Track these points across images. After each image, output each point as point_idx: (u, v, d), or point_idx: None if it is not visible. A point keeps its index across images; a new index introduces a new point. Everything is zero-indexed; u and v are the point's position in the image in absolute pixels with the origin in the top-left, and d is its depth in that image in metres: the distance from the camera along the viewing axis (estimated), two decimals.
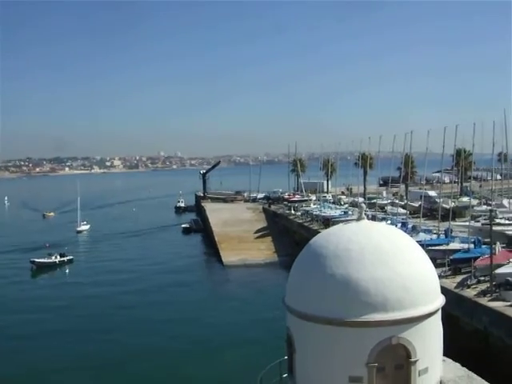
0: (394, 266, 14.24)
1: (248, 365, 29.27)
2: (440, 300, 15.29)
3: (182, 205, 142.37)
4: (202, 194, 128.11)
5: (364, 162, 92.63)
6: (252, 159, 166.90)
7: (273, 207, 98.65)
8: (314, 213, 78.21)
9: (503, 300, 32.43)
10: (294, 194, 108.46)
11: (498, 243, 41.22)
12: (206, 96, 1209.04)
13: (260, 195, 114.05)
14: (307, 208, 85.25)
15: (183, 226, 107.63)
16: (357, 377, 13.79)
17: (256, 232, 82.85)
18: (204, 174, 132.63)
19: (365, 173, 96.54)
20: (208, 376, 34.88)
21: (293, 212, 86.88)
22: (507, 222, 57.05)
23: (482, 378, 16.58)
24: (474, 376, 16.50)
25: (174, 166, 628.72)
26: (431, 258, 16.64)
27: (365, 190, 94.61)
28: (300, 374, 14.88)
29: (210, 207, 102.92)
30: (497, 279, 34.59)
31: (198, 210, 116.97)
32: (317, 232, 16.00)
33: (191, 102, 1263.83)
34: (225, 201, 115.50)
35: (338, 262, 14.25)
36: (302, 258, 15.59)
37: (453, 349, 18.31)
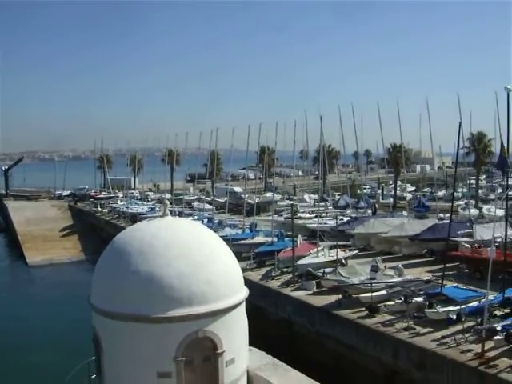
0: (198, 260, 14.39)
1: (56, 369, 28.09)
2: (244, 292, 15.68)
3: None
4: (3, 192, 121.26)
5: (171, 159, 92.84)
6: (57, 155, 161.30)
7: (79, 204, 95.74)
8: (121, 209, 77.09)
9: (305, 289, 33.94)
10: (100, 191, 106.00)
11: (299, 236, 43.08)
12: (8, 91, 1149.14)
13: (66, 192, 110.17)
14: (114, 205, 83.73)
15: None
16: (165, 372, 13.78)
17: (62, 230, 79.93)
18: (6, 171, 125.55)
19: (172, 169, 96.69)
20: None
21: (99, 209, 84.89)
22: (308, 215, 59.93)
23: (287, 363, 17.27)
24: (279, 363, 17.14)
25: None
26: (237, 252, 17.02)
27: (172, 187, 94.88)
28: (108, 374, 14.59)
29: (12, 205, 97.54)
30: (299, 270, 36.11)
31: (0, 209, 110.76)
32: (124, 229, 15.86)
33: None
34: (28, 198, 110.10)
35: (143, 258, 14.13)
36: (106, 256, 15.29)
37: (260, 338, 18.90)
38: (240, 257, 35.71)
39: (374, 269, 33.40)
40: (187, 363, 13.91)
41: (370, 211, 61.46)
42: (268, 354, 17.64)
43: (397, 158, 77.25)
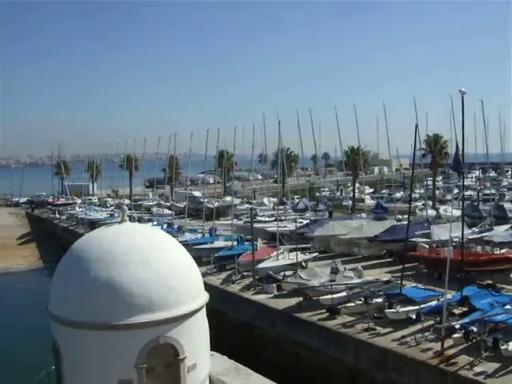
0: (157, 266, 14.29)
1: (14, 380, 27.64)
2: (204, 297, 15.61)
3: None
4: None
5: (129, 164, 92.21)
6: (14, 161, 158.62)
7: (36, 211, 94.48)
8: (80, 216, 76.22)
9: (266, 293, 33.97)
10: (58, 198, 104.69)
11: (259, 239, 43.06)
12: None
13: (23, 199, 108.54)
14: (72, 211, 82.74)
15: None
16: (127, 380, 13.63)
17: (19, 238, 78.55)
18: None
19: (130, 174, 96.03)
20: None
21: (57, 216, 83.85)
22: (267, 219, 60.00)
23: (249, 367, 17.25)
24: (241, 367, 17.12)
25: None
26: (197, 257, 16.94)
27: (131, 192, 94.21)
28: (68, 383, 14.38)
29: None
30: (259, 273, 36.15)
31: None
32: (82, 236, 15.61)
33: None
34: None
35: (101, 265, 13.95)
36: (65, 263, 15.06)
37: (221, 343, 18.83)
38: (200, 261, 35.54)
39: (334, 271, 33.63)
40: (149, 370, 13.79)
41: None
42: (230, 358, 17.60)
43: (355, 161, 77.86)
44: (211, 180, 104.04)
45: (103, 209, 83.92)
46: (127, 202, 78.26)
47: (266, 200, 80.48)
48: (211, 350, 16.41)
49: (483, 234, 42.35)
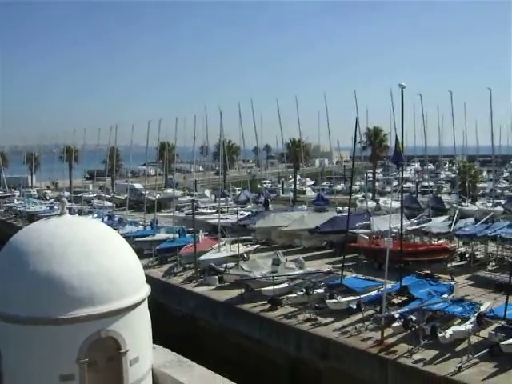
0: (98, 259, 14.07)
1: None
2: (146, 290, 15.46)
3: None
4: None
5: (69, 156, 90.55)
6: None
7: None
8: (18, 209, 74.48)
9: (208, 285, 33.96)
10: None
11: (201, 231, 42.97)
12: None
13: None
14: (10, 204, 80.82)
15: None
16: (68, 374, 13.38)
17: None
18: None
19: (70, 166, 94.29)
20: None
21: None
22: (209, 211, 59.92)
23: (192, 359, 17.19)
24: (184, 359, 17.04)
25: None
26: (138, 250, 16.79)
27: (71, 184, 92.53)
28: (8, 381, 14.04)
29: None
30: (201, 265, 36.06)
31: None
32: (21, 229, 15.29)
33: None
34: None
35: (41, 258, 13.65)
36: (2, 258, 14.66)
37: (163, 335, 18.72)
38: (141, 254, 35.39)
39: (276, 262, 33.85)
40: (90, 364, 13.58)
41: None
42: (172, 350, 17.51)
43: (296, 153, 78.53)
44: (152, 172, 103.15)
45: (42, 201, 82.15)
46: (67, 194, 76.94)
47: (207, 192, 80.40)
48: (154, 342, 16.29)
49: (421, 225, 43.36)
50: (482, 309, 24.95)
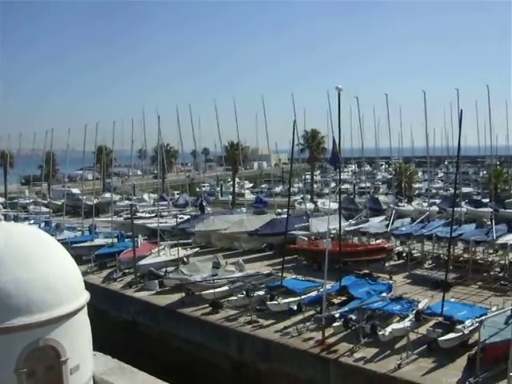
0: (36, 265, 13.85)
1: None
2: (85, 296, 15.29)
3: None
4: None
5: (4, 161, 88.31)
6: None
7: None
8: None
9: (148, 289, 33.68)
10: None
11: (140, 236, 42.62)
12: None
13: None
14: None
15: None
16: None
17: None
18: None
19: (5, 172, 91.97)
20: None
21: None
22: (148, 215, 59.40)
23: (134, 366, 17.06)
24: (125, 366, 16.91)
25: None
26: (77, 256, 16.57)
27: (6, 190, 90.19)
28: None
29: None
30: (141, 270, 35.73)
31: None
32: None
33: None
34: None
35: None
36: None
37: (104, 342, 18.52)
38: (80, 260, 34.80)
39: (216, 265, 33.84)
40: (29, 374, 13.34)
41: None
42: (113, 357, 17.35)
43: (234, 156, 78.59)
44: (90, 176, 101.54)
45: None
46: (1, 200, 74.98)
47: (146, 196, 79.71)
48: (94, 350, 16.11)
49: (359, 226, 44.03)
50: (420, 306, 25.49)
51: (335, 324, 24.24)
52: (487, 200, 61.51)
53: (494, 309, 23.80)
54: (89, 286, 16.32)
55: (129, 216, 49.57)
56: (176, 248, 38.11)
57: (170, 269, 34.97)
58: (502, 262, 34.62)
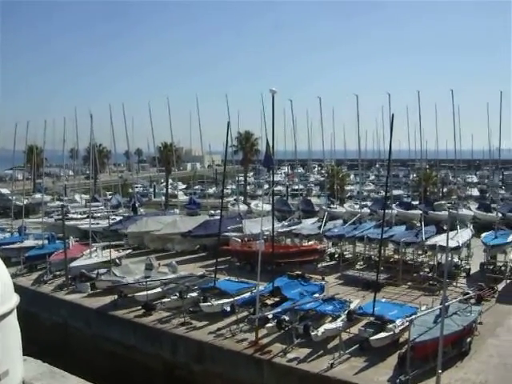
0: None
1: None
2: (14, 299, 14.98)
3: None
4: None
5: None
6: None
7: None
8: None
9: (79, 292, 33.19)
10: None
11: (71, 237, 41.96)
12: None
13: None
14: None
15: None
16: None
17: None
18: None
19: None
20: None
21: None
22: (80, 216, 58.53)
23: (65, 369, 16.78)
24: (57, 370, 16.57)
25: None
26: (5, 257, 16.21)
27: None
28: None
29: None
30: (72, 272, 35.19)
31: None
32: None
33: None
34: None
35: None
36: None
37: (35, 346, 18.14)
38: (9, 262, 34.04)
39: (148, 267, 33.65)
40: None
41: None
42: (44, 361, 16.99)
43: (168, 157, 78.20)
44: (20, 176, 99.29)
45: None
46: None
47: (77, 196, 78.46)
48: (24, 354, 15.79)
49: (292, 228, 44.51)
50: (352, 306, 25.94)
51: (268, 325, 24.44)
52: (417, 202, 63.26)
53: (423, 308, 24.45)
54: (18, 289, 15.93)
55: (60, 217, 48.67)
56: (108, 249, 37.69)
57: (102, 271, 34.53)
58: (431, 262, 35.60)
